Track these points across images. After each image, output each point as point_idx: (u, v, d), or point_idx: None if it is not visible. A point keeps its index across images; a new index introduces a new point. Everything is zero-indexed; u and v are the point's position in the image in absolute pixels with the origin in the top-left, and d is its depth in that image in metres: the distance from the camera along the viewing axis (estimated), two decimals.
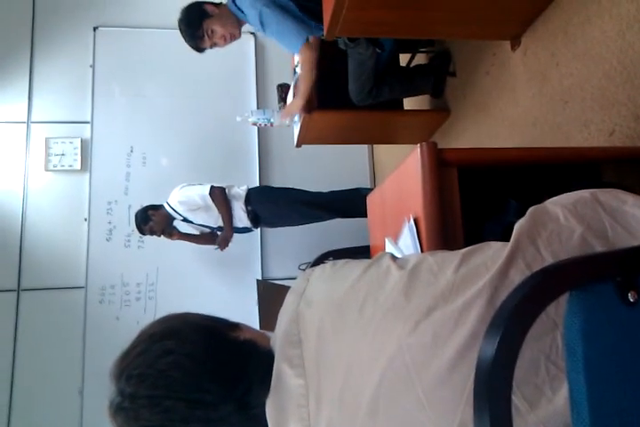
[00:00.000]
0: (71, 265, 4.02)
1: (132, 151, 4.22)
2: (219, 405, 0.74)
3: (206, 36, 2.53)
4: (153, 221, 3.36)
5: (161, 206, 3.39)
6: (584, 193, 0.75)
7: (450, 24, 2.24)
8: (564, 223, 0.71)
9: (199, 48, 2.60)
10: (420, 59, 3.14)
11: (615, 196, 0.73)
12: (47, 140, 4.16)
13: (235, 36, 2.58)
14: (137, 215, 3.42)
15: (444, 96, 3.04)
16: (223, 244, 3.40)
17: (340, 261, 0.84)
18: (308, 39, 2.35)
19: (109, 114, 4.23)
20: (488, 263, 0.69)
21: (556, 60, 2.08)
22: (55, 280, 3.99)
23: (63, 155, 4.15)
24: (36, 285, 3.97)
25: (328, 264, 0.85)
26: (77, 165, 4.15)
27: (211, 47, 2.60)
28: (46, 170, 4.14)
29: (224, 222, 3.31)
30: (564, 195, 0.77)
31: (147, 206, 3.43)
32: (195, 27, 2.52)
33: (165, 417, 0.73)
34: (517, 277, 0.66)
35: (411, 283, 0.72)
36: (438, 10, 2.10)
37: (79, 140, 4.18)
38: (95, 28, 4.29)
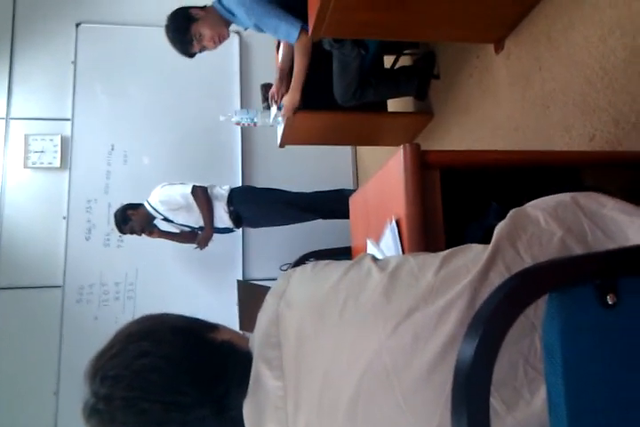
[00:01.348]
0: (49, 264, 3.96)
1: (112, 149, 4.17)
2: (195, 407, 0.73)
3: (195, 41, 2.52)
4: (133, 220, 3.33)
5: (140, 205, 3.35)
6: (564, 197, 0.76)
7: (434, 27, 2.25)
8: (544, 227, 0.71)
9: (189, 53, 2.58)
10: (404, 61, 3.15)
11: (595, 199, 0.74)
12: (26, 136, 4.10)
13: (223, 37, 2.57)
14: (116, 215, 3.38)
15: (427, 98, 3.06)
16: (203, 243, 3.38)
17: (321, 263, 0.84)
18: (303, 27, 2.33)
19: (91, 111, 4.19)
20: (469, 266, 0.69)
21: (538, 64, 2.10)
22: (32, 279, 3.93)
23: (43, 152, 4.09)
24: (12, 283, 3.91)
25: (309, 265, 0.84)
26: (57, 163, 4.10)
27: (200, 51, 2.59)
28: (25, 167, 4.08)
29: (205, 222, 3.29)
30: (545, 198, 0.78)
31: (125, 206, 3.40)
32: (182, 32, 2.50)
33: (141, 419, 0.72)
34: (497, 279, 0.66)
35: (391, 285, 0.71)
36: (423, 12, 2.11)
37: (59, 137, 4.13)
38: (78, 25, 4.24)
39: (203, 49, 2.57)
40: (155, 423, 0.73)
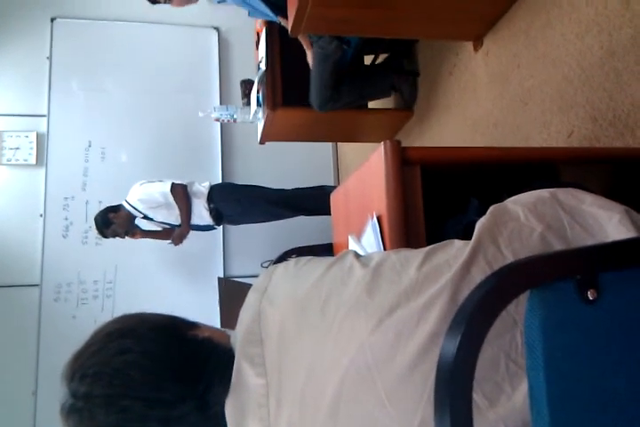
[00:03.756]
0: (25, 262, 3.90)
1: (90, 146, 4.12)
2: (177, 404, 0.72)
3: None
4: (115, 223, 3.27)
5: (120, 207, 3.30)
6: (544, 192, 0.76)
7: (413, 24, 2.26)
8: (524, 222, 0.71)
9: None
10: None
11: (574, 195, 0.75)
12: (1, 133, 4.03)
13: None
14: (97, 219, 3.30)
15: (407, 95, 3.07)
16: (177, 240, 3.34)
17: (304, 259, 0.83)
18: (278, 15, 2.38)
19: (67, 107, 4.12)
20: (450, 261, 0.69)
21: (517, 61, 2.11)
22: (9, 278, 3.87)
23: (18, 149, 4.03)
24: None
25: (291, 262, 0.84)
26: (33, 160, 4.03)
27: (164, 2, 2.59)
28: (0, 164, 4.00)
29: (182, 220, 3.26)
30: (525, 194, 0.78)
31: (106, 209, 3.33)
32: None
33: (122, 417, 0.71)
34: (479, 275, 0.66)
35: (374, 281, 0.71)
36: (402, 9, 2.11)
37: (35, 133, 4.06)
38: (53, 19, 4.17)
39: (167, 1, 2.58)
40: (136, 421, 0.71)
